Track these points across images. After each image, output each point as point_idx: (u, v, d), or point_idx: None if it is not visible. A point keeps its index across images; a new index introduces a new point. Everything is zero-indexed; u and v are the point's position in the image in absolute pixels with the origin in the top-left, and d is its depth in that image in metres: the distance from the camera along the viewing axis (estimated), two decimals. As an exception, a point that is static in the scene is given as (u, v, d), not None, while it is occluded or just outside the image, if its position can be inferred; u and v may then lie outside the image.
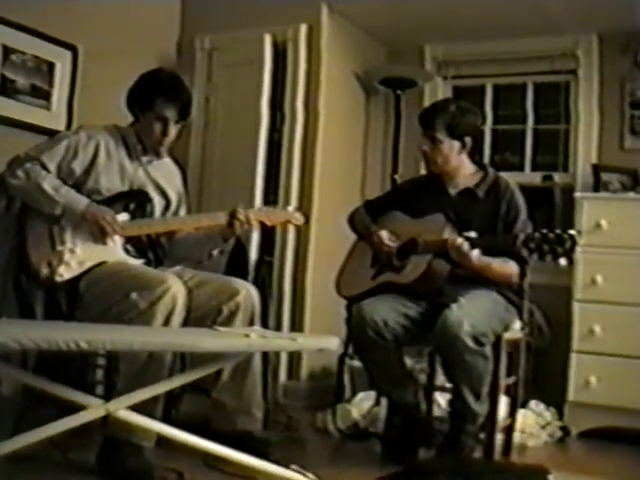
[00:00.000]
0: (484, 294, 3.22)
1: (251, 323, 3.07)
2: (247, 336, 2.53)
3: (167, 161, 3.39)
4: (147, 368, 2.76)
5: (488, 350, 3.08)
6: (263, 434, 3.13)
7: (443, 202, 3.39)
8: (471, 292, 3.17)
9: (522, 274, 3.31)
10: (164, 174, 3.36)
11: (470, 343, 2.98)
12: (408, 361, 3.47)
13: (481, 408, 3.14)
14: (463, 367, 3.04)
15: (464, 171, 3.44)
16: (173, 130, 3.22)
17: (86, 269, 3.01)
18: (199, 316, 3.03)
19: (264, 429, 3.20)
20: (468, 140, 3.39)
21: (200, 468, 2.74)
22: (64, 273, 2.98)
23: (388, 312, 3.20)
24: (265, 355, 4.14)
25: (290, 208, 3.40)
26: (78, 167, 3.11)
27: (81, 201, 3.06)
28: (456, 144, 3.38)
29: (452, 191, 3.43)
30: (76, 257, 3.02)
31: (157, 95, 3.17)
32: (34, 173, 3.01)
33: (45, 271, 2.99)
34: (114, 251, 3.12)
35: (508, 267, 3.24)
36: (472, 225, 3.24)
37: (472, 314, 3.03)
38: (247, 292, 3.14)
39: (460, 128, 3.37)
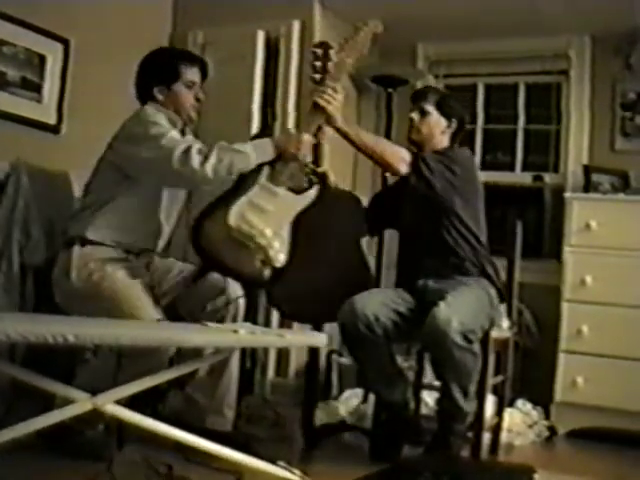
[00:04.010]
0: (469, 291, 3.24)
1: (235, 322, 3.07)
2: (235, 332, 2.53)
3: None
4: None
5: (477, 347, 3.09)
6: (249, 430, 3.14)
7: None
8: (457, 289, 3.19)
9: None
10: None
11: (459, 340, 2.99)
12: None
13: (469, 406, 3.15)
14: (452, 364, 3.04)
15: None
16: (201, 92, 3.24)
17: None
18: (184, 312, 3.02)
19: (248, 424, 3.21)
20: (454, 121, 3.44)
21: (185, 462, 2.74)
22: (280, 255, 2.97)
23: (379, 307, 3.21)
24: (253, 352, 4.15)
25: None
26: None
27: (263, 141, 3.05)
28: (443, 121, 3.44)
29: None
30: (272, 236, 2.98)
31: (180, 63, 3.17)
32: (204, 148, 2.91)
33: (259, 267, 2.97)
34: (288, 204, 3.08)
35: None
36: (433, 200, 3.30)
37: (460, 311, 3.04)
38: (233, 291, 3.14)
39: (448, 107, 3.45)
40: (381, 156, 3.28)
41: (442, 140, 3.45)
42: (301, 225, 3.08)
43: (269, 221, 2.98)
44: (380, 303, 3.24)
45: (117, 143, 3.08)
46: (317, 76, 3.22)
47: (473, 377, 3.12)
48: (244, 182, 3.03)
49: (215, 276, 3.24)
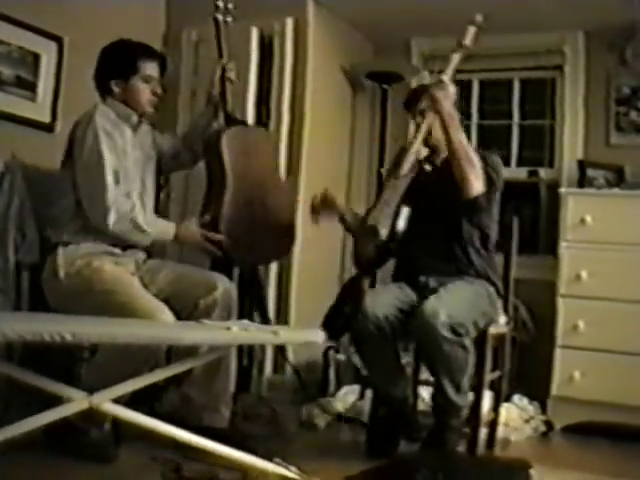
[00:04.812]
0: (466, 286, 3.25)
1: (227, 319, 3.06)
2: (229, 329, 2.52)
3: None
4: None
5: (468, 341, 3.07)
6: (245, 427, 3.15)
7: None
8: (454, 284, 3.20)
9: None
10: (148, 134, 3.39)
11: (446, 333, 2.98)
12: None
13: (462, 400, 3.14)
14: (442, 358, 3.04)
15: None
16: (159, 87, 3.25)
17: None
18: (177, 310, 3.02)
19: (245, 421, 3.21)
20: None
21: (183, 460, 2.74)
22: (382, 231, 3.21)
23: (388, 307, 3.23)
24: (250, 349, 4.15)
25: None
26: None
27: (168, 228, 3.17)
28: None
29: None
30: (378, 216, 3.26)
31: (139, 57, 3.19)
32: (131, 214, 3.04)
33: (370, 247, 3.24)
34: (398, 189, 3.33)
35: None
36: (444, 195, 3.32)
37: (449, 305, 3.05)
38: (225, 288, 3.14)
39: None
40: (463, 166, 3.20)
41: None
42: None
43: (382, 207, 3.28)
44: (388, 303, 3.25)
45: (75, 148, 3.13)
46: (222, 17, 3.40)
47: (464, 371, 3.10)
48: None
49: (206, 273, 3.24)
